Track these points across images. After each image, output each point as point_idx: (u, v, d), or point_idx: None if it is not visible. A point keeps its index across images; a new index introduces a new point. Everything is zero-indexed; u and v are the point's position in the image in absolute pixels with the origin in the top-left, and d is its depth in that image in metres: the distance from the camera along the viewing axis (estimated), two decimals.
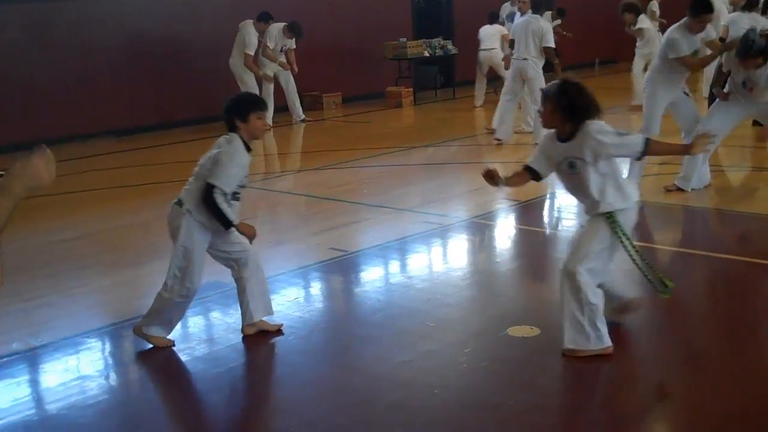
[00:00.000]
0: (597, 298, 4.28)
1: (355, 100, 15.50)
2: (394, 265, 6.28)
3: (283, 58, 13.28)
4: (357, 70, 15.67)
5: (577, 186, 4.44)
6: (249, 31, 12.80)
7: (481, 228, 7.11)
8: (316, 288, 5.92)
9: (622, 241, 4.32)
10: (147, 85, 13.11)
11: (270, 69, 13.22)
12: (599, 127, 4.29)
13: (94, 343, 4.97)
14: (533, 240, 6.87)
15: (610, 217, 4.31)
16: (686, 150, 5.12)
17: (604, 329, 4.28)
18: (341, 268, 6.20)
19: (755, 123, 9.26)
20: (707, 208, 7.42)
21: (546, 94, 4.41)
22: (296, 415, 3.92)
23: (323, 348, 4.85)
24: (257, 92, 12.84)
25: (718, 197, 7.66)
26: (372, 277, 6.02)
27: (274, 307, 5.06)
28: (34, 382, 4.52)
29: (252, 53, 12.86)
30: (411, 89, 15.62)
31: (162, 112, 13.31)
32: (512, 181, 4.68)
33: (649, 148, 4.38)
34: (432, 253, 6.55)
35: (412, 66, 15.93)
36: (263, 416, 3.87)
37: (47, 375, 4.59)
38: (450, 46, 16.14)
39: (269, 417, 3.87)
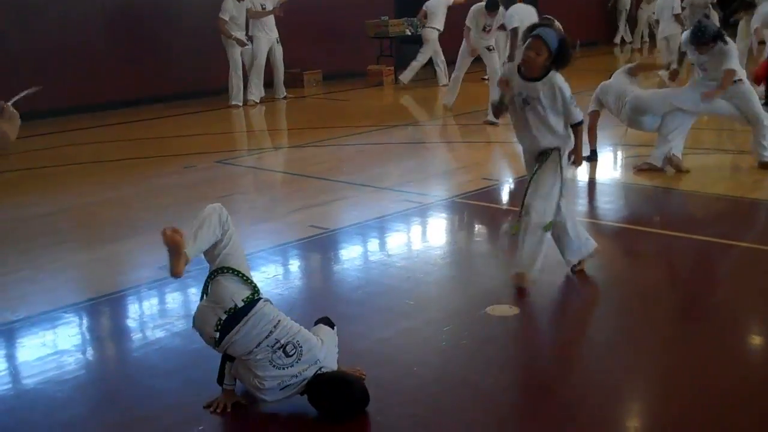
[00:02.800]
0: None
1: (335, 78, 15.45)
2: (374, 243, 6.27)
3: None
4: (338, 48, 15.60)
5: (523, 121, 4.97)
6: None
7: (460, 207, 7.11)
8: (296, 265, 5.90)
9: (562, 173, 4.92)
10: (126, 60, 12.97)
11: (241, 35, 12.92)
12: (563, 81, 4.86)
13: (71, 318, 4.93)
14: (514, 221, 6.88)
15: (558, 151, 4.93)
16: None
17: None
18: (321, 246, 6.18)
19: None
20: (681, 190, 7.45)
21: (544, 41, 4.75)
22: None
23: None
24: (240, 63, 12.73)
25: (692, 179, 7.69)
26: (352, 255, 6.01)
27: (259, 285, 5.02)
28: (10, 357, 4.48)
29: (225, 18, 12.55)
30: (392, 68, 15.58)
31: (141, 87, 13.16)
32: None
33: (580, 127, 4.99)
34: (412, 232, 6.54)
35: (393, 44, 15.87)
36: (243, 392, 3.86)
37: (24, 349, 4.55)
38: None
39: (247, 394, 3.85)
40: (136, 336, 4.73)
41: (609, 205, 7.20)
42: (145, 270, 5.65)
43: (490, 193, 7.58)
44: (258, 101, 13.06)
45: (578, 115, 4.94)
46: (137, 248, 6.22)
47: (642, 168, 7.91)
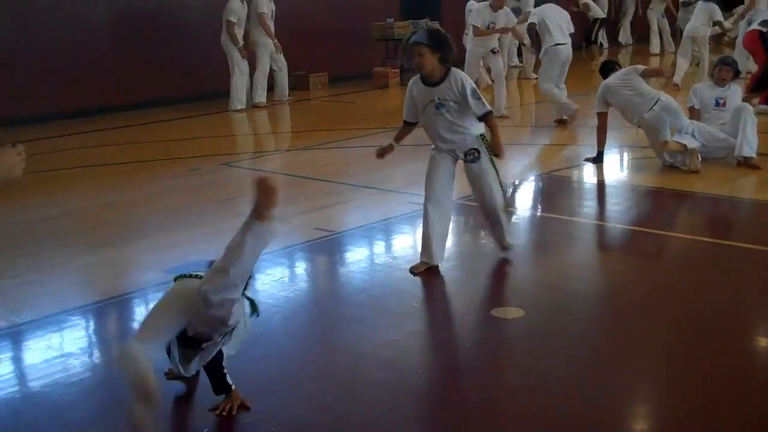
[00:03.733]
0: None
1: (341, 81, 15.45)
2: (379, 246, 6.27)
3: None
4: (344, 50, 15.61)
5: (441, 123, 5.17)
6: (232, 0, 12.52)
7: (466, 209, 7.08)
8: (301, 268, 5.91)
9: (493, 163, 5.24)
10: (131, 63, 12.99)
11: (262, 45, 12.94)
12: (465, 76, 5.08)
13: (77, 321, 4.94)
14: (518, 222, 6.87)
15: (482, 138, 5.21)
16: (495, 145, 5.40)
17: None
18: (326, 248, 6.19)
19: None
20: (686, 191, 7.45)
21: (419, 43, 4.95)
22: (279, 395, 3.91)
23: (307, 327, 4.85)
24: (246, 70, 12.72)
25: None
26: (357, 257, 6.01)
27: (259, 287, 5.04)
28: (16, 360, 4.50)
29: (234, 20, 12.48)
30: (398, 70, 15.57)
31: (144, 90, 13.17)
32: (400, 139, 5.51)
33: (488, 117, 5.18)
34: (417, 234, 6.52)
35: (399, 47, 15.88)
36: (245, 395, 3.85)
37: (30, 352, 4.56)
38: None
39: (252, 396, 3.85)
40: None
41: (616, 207, 7.18)
42: (150, 272, 5.66)
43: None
44: (265, 103, 13.06)
45: (483, 106, 5.09)
46: (143, 251, 6.23)
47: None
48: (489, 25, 11.05)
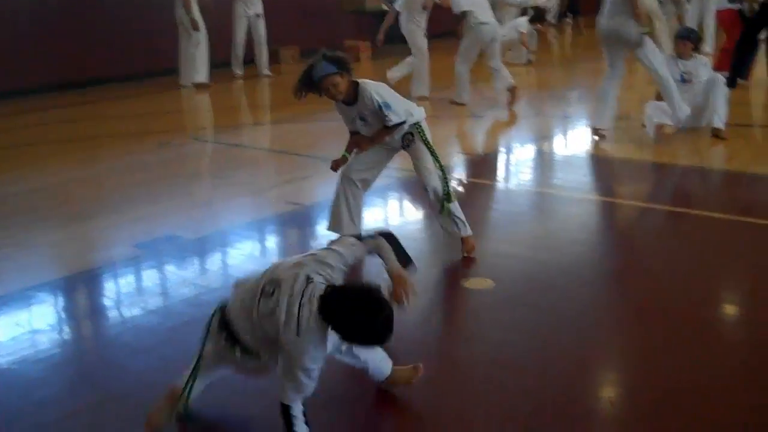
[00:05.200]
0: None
1: (312, 54, 15.28)
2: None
3: None
4: (315, 23, 15.49)
5: (371, 131, 5.11)
6: None
7: None
8: (271, 241, 5.89)
9: (428, 146, 5.14)
10: (97, 37, 12.82)
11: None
12: (375, 87, 4.96)
13: (46, 297, 4.90)
14: (489, 193, 6.88)
15: (417, 126, 5.13)
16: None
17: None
18: (296, 221, 6.17)
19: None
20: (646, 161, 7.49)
21: (333, 74, 4.78)
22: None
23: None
24: (203, 45, 12.42)
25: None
26: (326, 230, 5.99)
27: (229, 261, 5.04)
28: None
29: None
30: (369, 43, 15.49)
31: (115, 64, 13.03)
32: (351, 149, 5.26)
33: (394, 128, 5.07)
34: (388, 206, 6.53)
35: (370, 20, 15.78)
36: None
37: None
38: None
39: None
40: (111, 314, 4.70)
41: (584, 178, 7.21)
42: (120, 248, 5.62)
43: (467, 166, 7.57)
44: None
45: (395, 118, 4.99)
46: (112, 226, 6.18)
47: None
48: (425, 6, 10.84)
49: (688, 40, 8.11)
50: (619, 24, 7.67)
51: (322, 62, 4.76)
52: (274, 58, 14.68)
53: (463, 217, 5.20)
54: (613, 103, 8.17)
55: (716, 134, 7.75)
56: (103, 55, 12.88)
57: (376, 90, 4.97)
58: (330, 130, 9.26)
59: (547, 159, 7.99)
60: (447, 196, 5.13)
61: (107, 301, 4.88)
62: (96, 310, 4.80)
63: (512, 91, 10.18)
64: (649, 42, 7.76)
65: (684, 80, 8.02)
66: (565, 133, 8.97)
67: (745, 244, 5.30)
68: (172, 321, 4.46)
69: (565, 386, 3.64)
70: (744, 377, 3.66)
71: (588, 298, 4.62)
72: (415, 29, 10.90)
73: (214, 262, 5.43)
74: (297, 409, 3.07)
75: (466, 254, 5.19)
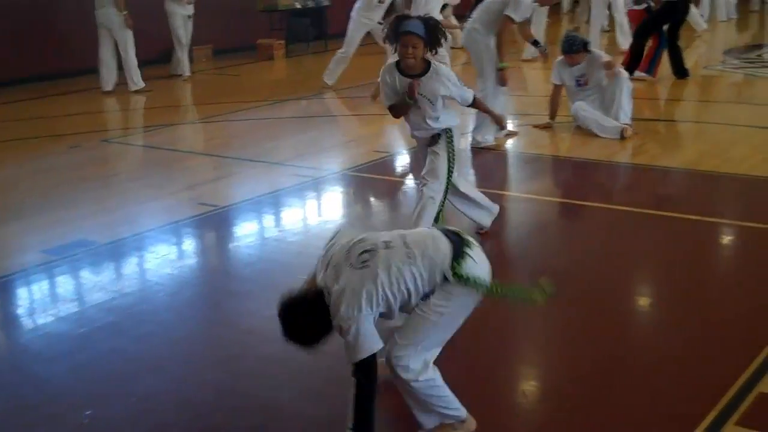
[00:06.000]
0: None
1: (225, 53, 15.20)
2: (266, 219, 6.23)
3: None
4: (228, 22, 15.33)
5: (416, 113, 4.90)
6: None
7: (353, 180, 7.12)
8: (186, 244, 5.82)
9: (451, 152, 4.96)
10: (7, 37, 12.47)
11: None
12: (447, 72, 4.84)
13: None
14: (405, 191, 6.93)
15: (448, 132, 4.96)
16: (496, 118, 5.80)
17: None
18: (212, 223, 6.12)
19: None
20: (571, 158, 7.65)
21: (416, 34, 4.57)
22: (166, 372, 3.87)
23: (193, 304, 4.79)
24: (132, 47, 12.06)
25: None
26: (243, 231, 5.97)
27: (143, 265, 4.99)
28: None
29: None
30: (283, 42, 15.44)
31: (24, 65, 12.68)
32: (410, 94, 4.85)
33: (476, 102, 5.08)
34: (304, 207, 6.53)
35: (283, 18, 15.72)
36: (130, 376, 3.80)
37: None
38: None
39: (136, 376, 3.80)
40: (21, 322, 4.61)
41: (493, 174, 7.31)
42: (29, 253, 5.50)
43: (382, 165, 7.60)
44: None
45: (469, 94, 4.97)
46: (21, 231, 6.04)
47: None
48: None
49: (570, 53, 8.06)
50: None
51: (415, 19, 4.63)
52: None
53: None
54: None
55: (622, 133, 7.87)
56: (8, 56, 12.52)
57: (449, 71, 4.90)
58: (244, 130, 9.22)
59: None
60: (440, 209, 5.05)
61: (17, 309, 4.77)
62: (5, 318, 4.69)
63: None
64: None
65: (580, 84, 8.13)
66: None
67: (645, 235, 5.47)
68: (84, 327, 4.38)
69: (489, 376, 3.70)
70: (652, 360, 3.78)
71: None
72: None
73: (126, 266, 5.35)
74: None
75: None
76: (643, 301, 4.68)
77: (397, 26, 4.62)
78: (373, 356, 2.98)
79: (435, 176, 5.00)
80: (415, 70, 4.74)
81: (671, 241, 5.39)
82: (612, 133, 7.89)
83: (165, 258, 5.38)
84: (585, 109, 8.05)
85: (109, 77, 11.96)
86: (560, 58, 8.20)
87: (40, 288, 5.03)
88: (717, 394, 3.42)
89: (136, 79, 11.89)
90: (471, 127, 7.86)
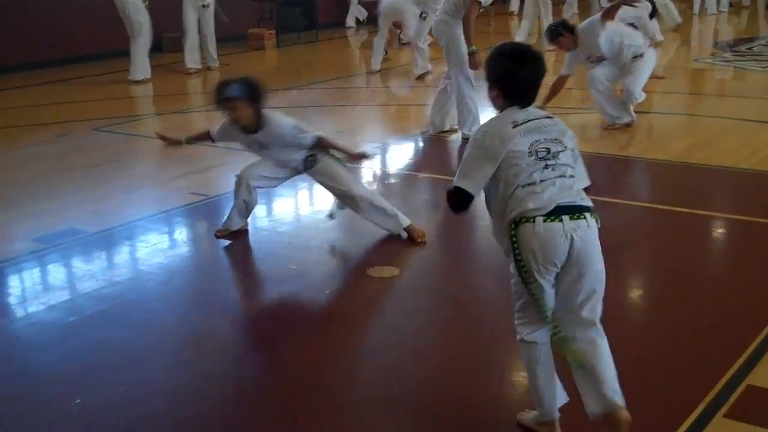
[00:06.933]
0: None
1: (216, 42, 15.11)
2: (257, 209, 6.18)
3: None
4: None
5: (269, 157, 5.19)
6: None
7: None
8: (177, 233, 5.81)
9: (335, 158, 5.19)
10: None
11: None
12: (281, 119, 5.05)
13: None
14: (394, 182, 6.93)
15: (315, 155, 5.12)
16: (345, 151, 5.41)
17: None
18: (202, 213, 6.11)
19: None
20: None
21: (237, 98, 4.91)
22: (155, 361, 3.86)
23: (183, 293, 4.79)
24: (149, 33, 11.92)
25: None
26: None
27: (133, 254, 4.99)
28: None
29: None
30: (273, 31, 15.39)
31: (12, 52, 12.61)
32: (191, 142, 5.56)
33: (320, 142, 5.10)
34: (296, 196, 6.51)
35: (274, 7, 15.67)
36: (119, 365, 3.80)
37: None
38: None
39: (126, 365, 3.80)
40: (11, 310, 4.59)
41: None
42: (18, 242, 5.49)
43: (372, 156, 7.57)
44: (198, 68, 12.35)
45: (310, 139, 5.06)
46: (10, 220, 6.01)
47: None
48: None
49: (556, 41, 7.93)
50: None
51: (233, 84, 4.92)
52: (177, 47, 14.42)
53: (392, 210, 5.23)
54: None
55: (612, 125, 7.95)
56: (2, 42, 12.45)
57: (284, 121, 5.09)
58: None
59: (452, 146, 8.07)
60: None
61: (7, 297, 4.75)
62: None
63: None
64: None
65: (593, 61, 8.00)
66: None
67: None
68: (74, 315, 4.37)
69: (462, 370, 3.71)
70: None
71: (492, 286, 4.70)
72: None
73: (117, 255, 5.34)
74: None
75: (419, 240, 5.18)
76: (632, 293, 4.70)
77: (218, 94, 4.91)
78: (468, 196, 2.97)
79: (350, 186, 5.19)
80: (250, 127, 5.00)
81: (660, 233, 5.42)
82: (608, 120, 8.00)
83: (155, 247, 5.37)
84: (599, 87, 7.99)
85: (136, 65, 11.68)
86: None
87: (29, 276, 5.01)
88: (706, 386, 3.44)
89: (140, 68, 11.68)
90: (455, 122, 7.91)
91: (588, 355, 2.92)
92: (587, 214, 2.88)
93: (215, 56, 12.84)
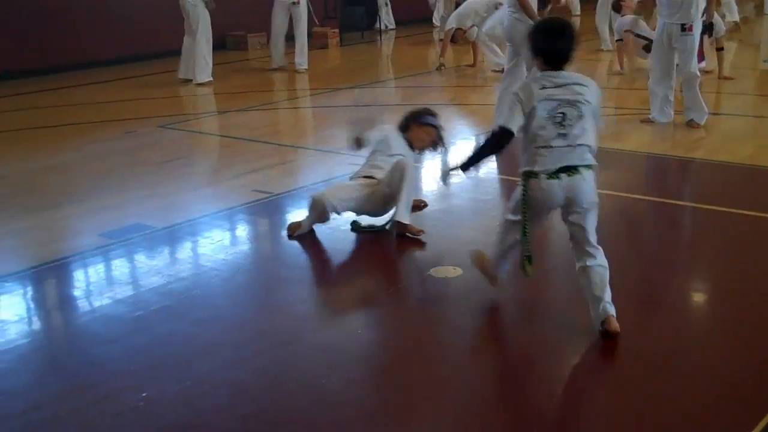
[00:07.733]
0: None
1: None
2: None
3: None
4: None
5: None
6: None
7: None
8: (240, 230, 5.87)
9: None
10: (66, 24, 12.66)
11: None
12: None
13: (13, 287, 4.86)
14: (457, 182, 6.90)
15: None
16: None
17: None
18: (266, 210, 6.16)
19: None
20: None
21: (435, 127, 6.08)
22: (218, 358, 3.90)
23: (246, 290, 4.83)
24: (209, 30, 11.61)
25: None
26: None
27: (198, 250, 5.05)
28: None
29: None
30: (337, 30, 15.46)
31: (82, 51, 12.89)
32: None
33: None
34: None
35: (338, 6, 15.74)
36: (185, 359, 3.85)
37: None
38: None
39: (191, 360, 3.85)
40: (79, 304, 4.68)
41: None
42: (86, 237, 5.59)
43: (437, 156, 7.56)
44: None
45: None
46: (78, 215, 6.14)
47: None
48: None
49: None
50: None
51: (427, 114, 6.06)
52: (241, 45, 14.60)
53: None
54: None
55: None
56: (67, 42, 12.72)
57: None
58: (297, 117, 9.26)
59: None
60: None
61: (75, 291, 4.85)
62: (64, 300, 4.77)
63: None
64: None
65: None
66: None
67: None
68: (140, 310, 4.44)
69: (528, 374, 3.69)
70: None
71: (558, 285, 4.66)
72: None
73: (182, 251, 5.41)
74: None
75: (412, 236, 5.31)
76: (698, 297, 4.62)
77: (426, 118, 6.00)
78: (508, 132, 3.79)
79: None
80: (422, 150, 6.11)
81: (728, 238, 5.31)
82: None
83: (219, 244, 5.43)
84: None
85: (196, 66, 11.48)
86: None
87: (96, 271, 5.11)
88: None
89: (186, 68, 11.56)
90: None
91: (598, 277, 3.87)
92: (582, 168, 3.74)
93: (301, 60, 12.56)
